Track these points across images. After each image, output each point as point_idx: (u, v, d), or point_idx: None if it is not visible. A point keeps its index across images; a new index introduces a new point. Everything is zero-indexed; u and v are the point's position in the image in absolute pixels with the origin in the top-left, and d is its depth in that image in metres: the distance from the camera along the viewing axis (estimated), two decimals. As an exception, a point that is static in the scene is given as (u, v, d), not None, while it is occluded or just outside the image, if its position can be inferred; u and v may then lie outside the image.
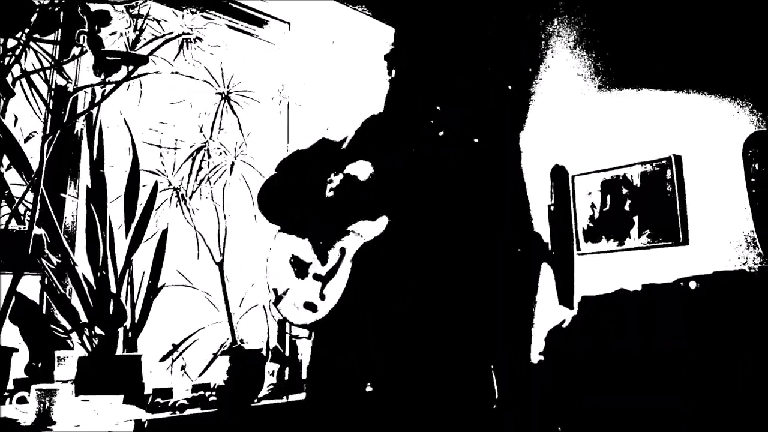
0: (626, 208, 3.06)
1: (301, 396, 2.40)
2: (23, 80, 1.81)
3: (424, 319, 1.62)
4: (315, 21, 3.03)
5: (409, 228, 1.62)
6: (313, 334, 1.71)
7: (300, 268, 1.66)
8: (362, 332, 1.63)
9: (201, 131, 2.28)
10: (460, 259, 1.68)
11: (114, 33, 1.91)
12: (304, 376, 2.59)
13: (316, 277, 1.63)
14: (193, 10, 2.02)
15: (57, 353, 1.88)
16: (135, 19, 1.92)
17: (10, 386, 1.77)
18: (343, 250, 1.63)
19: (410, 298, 1.62)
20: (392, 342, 1.62)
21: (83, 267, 2.04)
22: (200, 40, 2.03)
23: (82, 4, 1.71)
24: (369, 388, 1.67)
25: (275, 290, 1.67)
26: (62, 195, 2.14)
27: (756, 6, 2.68)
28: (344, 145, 1.79)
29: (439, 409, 1.60)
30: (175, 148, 2.31)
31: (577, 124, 3.28)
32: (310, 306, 1.61)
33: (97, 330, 2.01)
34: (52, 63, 1.82)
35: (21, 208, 1.81)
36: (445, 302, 1.66)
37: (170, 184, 2.23)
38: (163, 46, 1.92)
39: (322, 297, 1.61)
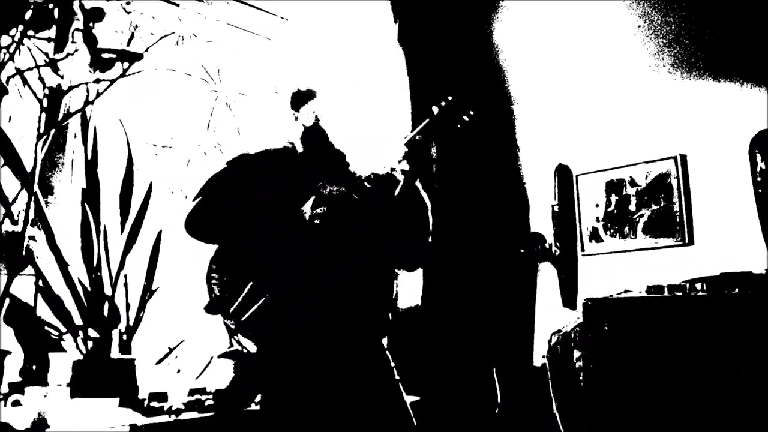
0: (631, 207, 3.02)
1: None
2: (17, 78, 1.79)
3: (425, 323, 1.60)
4: (313, 17, 3.00)
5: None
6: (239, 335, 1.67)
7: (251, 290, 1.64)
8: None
9: (196, 129, 2.25)
10: (460, 263, 1.66)
11: (108, 29, 1.88)
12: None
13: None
14: (189, 6, 1.99)
15: (51, 356, 1.86)
16: (130, 16, 1.89)
17: (5, 389, 1.75)
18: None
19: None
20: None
21: (77, 268, 2.02)
22: (196, 36, 2.00)
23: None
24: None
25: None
26: (56, 195, 2.12)
27: (763, 3, 2.64)
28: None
29: (442, 412, 1.58)
30: (170, 147, 2.28)
31: (582, 122, 3.24)
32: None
33: (92, 332, 1.99)
34: (47, 61, 1.79)
35: (14, 209, 1.79)
36: (447, 306, 1.64)
37: (165, 183, 2.21)
38: (158, 43, 1.89)
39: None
